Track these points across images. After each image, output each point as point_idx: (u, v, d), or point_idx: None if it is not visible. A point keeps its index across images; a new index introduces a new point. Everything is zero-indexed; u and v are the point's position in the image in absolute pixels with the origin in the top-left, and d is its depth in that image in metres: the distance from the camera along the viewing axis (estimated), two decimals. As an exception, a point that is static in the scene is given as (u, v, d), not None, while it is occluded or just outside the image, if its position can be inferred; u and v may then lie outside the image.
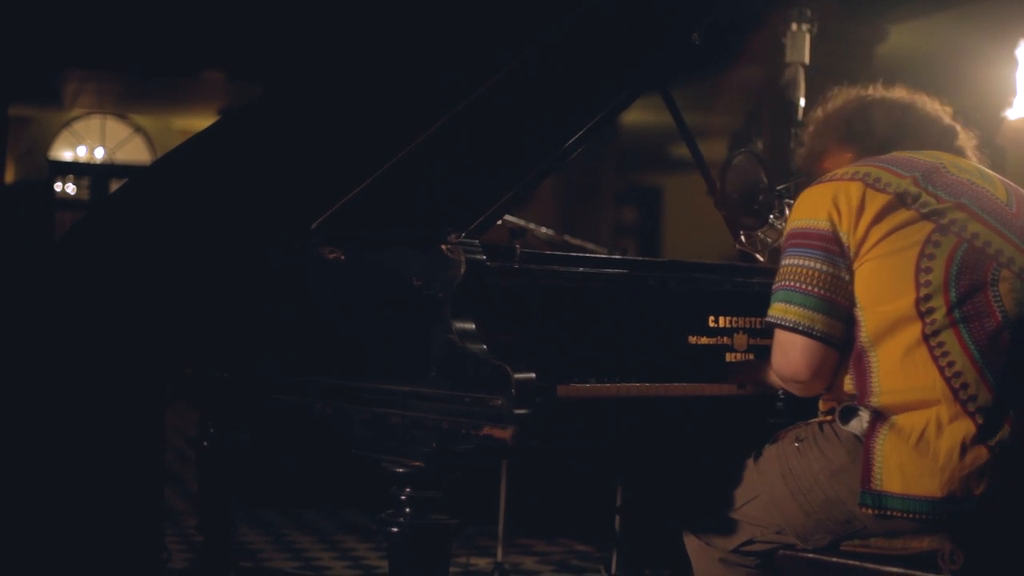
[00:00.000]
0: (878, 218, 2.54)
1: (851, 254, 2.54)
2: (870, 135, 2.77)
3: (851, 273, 2.54)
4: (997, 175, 2.72)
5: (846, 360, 2.57)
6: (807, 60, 5.55)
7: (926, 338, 2.47)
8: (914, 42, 9.53)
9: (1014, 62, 5.88)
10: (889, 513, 2.45)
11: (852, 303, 2.55)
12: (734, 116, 10.22)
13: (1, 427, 3.77)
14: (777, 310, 2.58)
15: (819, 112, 2.88)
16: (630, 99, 3.14)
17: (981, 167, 2.73)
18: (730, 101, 10.26)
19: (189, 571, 4.57)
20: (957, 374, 2.45)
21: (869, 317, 2.52)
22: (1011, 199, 2.65)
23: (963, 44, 8.65)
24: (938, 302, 2.47)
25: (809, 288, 2.54)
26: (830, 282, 2.54)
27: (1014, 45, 5.91)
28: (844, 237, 2.55)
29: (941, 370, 2.45)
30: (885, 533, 2.53)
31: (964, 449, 2.42)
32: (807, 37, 5.57)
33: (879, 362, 2.51)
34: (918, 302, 2.48)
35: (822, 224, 2.56)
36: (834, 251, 2.55)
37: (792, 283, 2.56)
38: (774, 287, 2.61)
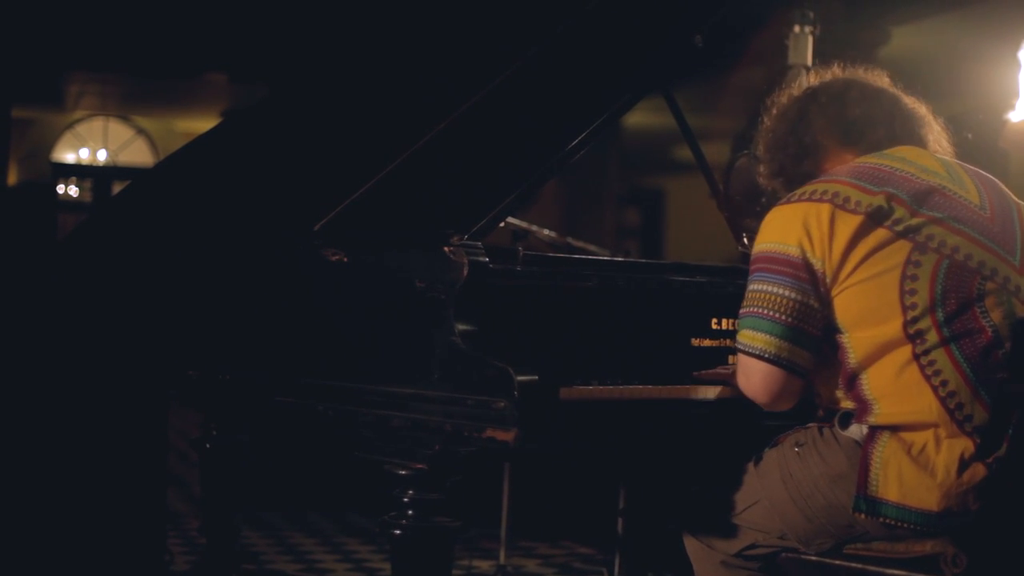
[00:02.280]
0: (853, 242, 2.48)
1: (827, 280, 2.49)
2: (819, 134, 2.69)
3: (823, 300, 2.49)
4: (961, 166, 2.66)
5: (837, 379, 2.55)
6: (809, 62, 5.54)
7: (916, 358, 2.44)
8: (916, 44, 9.53)
9: (1017, 64, 5.87)
10: (883, 520, 2.45)
11: (823, 331, 2.51)
12: (737, 118, 10.21)
13: (4, 430, 3.77)
14: (745, 337, 2.53)
15: (766, 124, 2.80)
16: (633, 101, 3.14)
17: (947, 161, 2.66)
18: (733, 103, 10.26)
19: (192, 573, 4.57)
20: (951, 394, 2.43)
21: (855, 342, 2.49)
22: (983, 200, 2.59)
23: (965, 46, 8.64)
24: (926, 323, 2.45)
25: (776, 316, 2.49)
26: (798, 310, 2.48)
27: (1017, 47, 5.90)
28: (817, 264, 2.48)
29: (935, 390, 2.43)
30: (888, 537, 2.52)
31: (962, 466, 2.41)
32: (809, 39, 5.57)
33: (871, 384, 2.49)
34: (906, 325, 2.45)
35: (792, 250, 2.50)
36: (803, 279, 2.49)
37: (760, 310, 2.51)
38: (741, 312, 2.56)
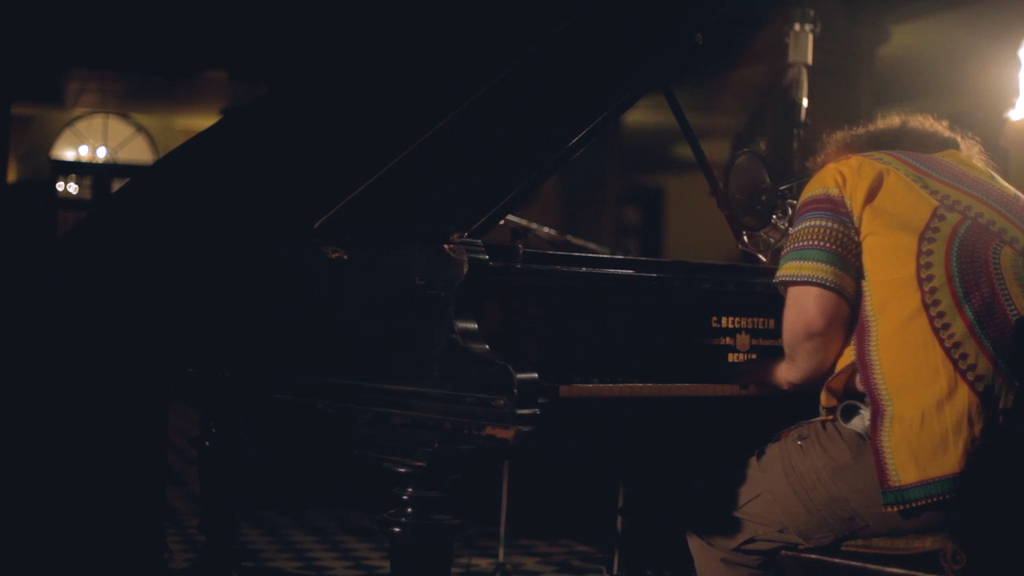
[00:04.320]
0: (877, 184, 2.62)
1: (855, 219, 2.61)
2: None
3: (857, 236, 2.60)
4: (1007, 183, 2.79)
5: (850, 332, 2.58)
6: (810, 60, 5.56)
7: (926, 307, 2.49)
8: (916, 43, 9.53)
9: (1017, 63, 5.87)
10: (914, 505, 2.44)
11: (861, 265, 2.59)
12: (737, 116, 10.23)
13: (3, 427, 3.77)
14: (789, 268, 2.62)
15: (819, 158, 2.90)
16: (633, 99, 3.14)
17: (991, 172, 2.79)
18: (733, 101, 10.26)
19: (191, 571, 4.56)
20: (956, 344, 2.46)
21: (873, 288, 2.56)
22: (1017, 195, 2.72)
23: (965, 45, 8.64)
24: (938, 271, 2.51)
25: (821, 244, 2.59)
26: (841, 239, 2.59)
27: (1016, 46, 5.90)
28: (849, 202, 2.61)
29: (941, 341, 2.47)
30: (888, 533, 2.53)
31: (971, 420, 2.42)
32: (810, 37, 5.59)
33: (879, 332, 2.52)
34: (919, 269, 2.52)
35: (832, 191, 2.64)
36: (843, 212, 2.61)
37: (803, 242, 2.61)
38: (784, 252, 2.66)
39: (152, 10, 9.91)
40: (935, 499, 2.44)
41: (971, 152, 2.84)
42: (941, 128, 2.86)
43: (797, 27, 5.60)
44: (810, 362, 2.62)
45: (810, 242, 2.60)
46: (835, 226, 2.60)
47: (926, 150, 2.79)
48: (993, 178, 2.75)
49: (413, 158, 2.87)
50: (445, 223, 2.61)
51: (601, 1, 3.04)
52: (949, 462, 2.42)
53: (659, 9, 3.27)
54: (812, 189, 2.69)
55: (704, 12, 3.22)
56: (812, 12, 5.61)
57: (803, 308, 2.58)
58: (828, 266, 2.56)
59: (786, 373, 2.68)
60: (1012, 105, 5.44)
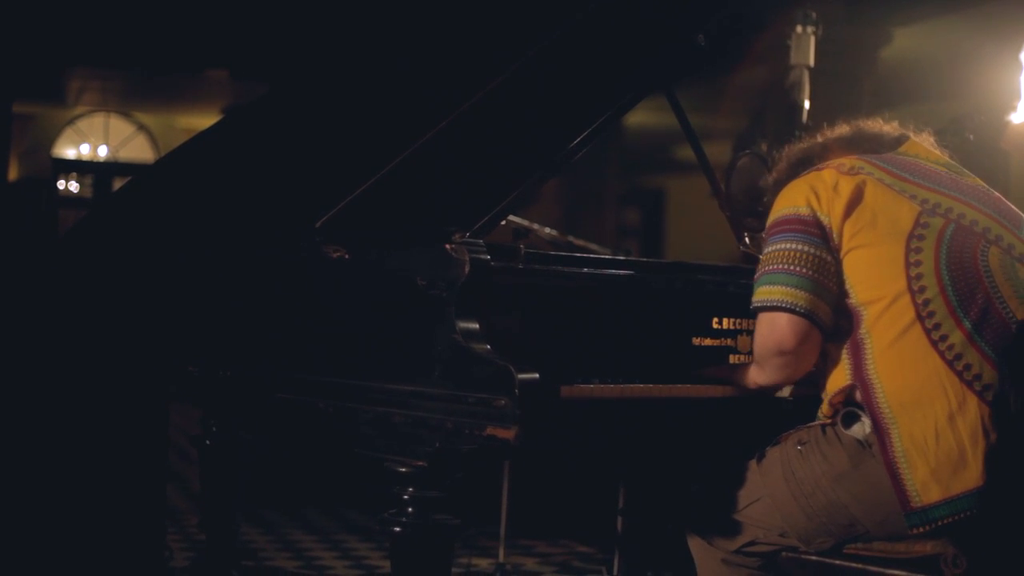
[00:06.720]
0: (856, 198, 2.57)
1: (835, 236, 2.56)
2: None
3: (834, 255, 2.56)
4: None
5: (843, 351, 2.57)
6: (812, 62, 5.56)
7: (920, 320, 2.48)
8: (918, 45, 9.53)
9: (1018, 66, 5.87)
10: (940, 524, 2.43)
11: (839, 287, 2.55)
12: (738, 118, 10.22)
13: (4, 425, 3.77)
14: (761, 294, 2.59)
15: (772, 176, 2.88)
16: (635, 100, 3.14)
17: (958, 165, 2.77)
18: (734, 103, 10.26)
19: (191, 569, 4.57)
20: (958, 356, 2.45)
21: (864, 305, 2.53)
22: (988, 189, 2.71)
23: (967, 48, 8.63)
24: (930, 281, 2.49)
25: (792, 268, 2.55)
26: (813, 262, 2.55)
27: (1018, 49, 5.89)
28: (824, 219, 2.57)
29: (941, 354, 2.46)
30: (888, 537, 2.52)
31: (986, 430, 2.42)
32: (812, 39, 5.59)
33: (874, 349, 2.51)
34: (910, 282, 2.50)
35: (802, 210, 2.59)
36: (814, 233, 2.57)
37: (774, 266, 2.57)
38: (756, 276, 2.62)
39: (154, 8, 9.91)
40: (960, 515, 2.42)
41: (926, 143, 2.79)
42: (891, 128, 2.82)
43: (799, 29, 5.60)
44: (779, 374, 2.62)
45: (780, 266, 2.56)
46: (806, 248, 2.55)
47: (884, 149, 2.75)
48: (962, 172, 2.73)
49: (415, 158, 2.87)
50: (447, 223, 2.61)
51: (603, 2, 3.04)
52: (971, 476, 2.41)
53: (661, 10, 3.27)
54: (781, 207, 2.64)
55: (706, 13, 3.23)
56: (814, 14, 5.61)
57: (775, 328, 2.55)
58: (799, 291, 2.53)
59: (756, 376, 2.67)
60: (1013, 108, 5.44)
